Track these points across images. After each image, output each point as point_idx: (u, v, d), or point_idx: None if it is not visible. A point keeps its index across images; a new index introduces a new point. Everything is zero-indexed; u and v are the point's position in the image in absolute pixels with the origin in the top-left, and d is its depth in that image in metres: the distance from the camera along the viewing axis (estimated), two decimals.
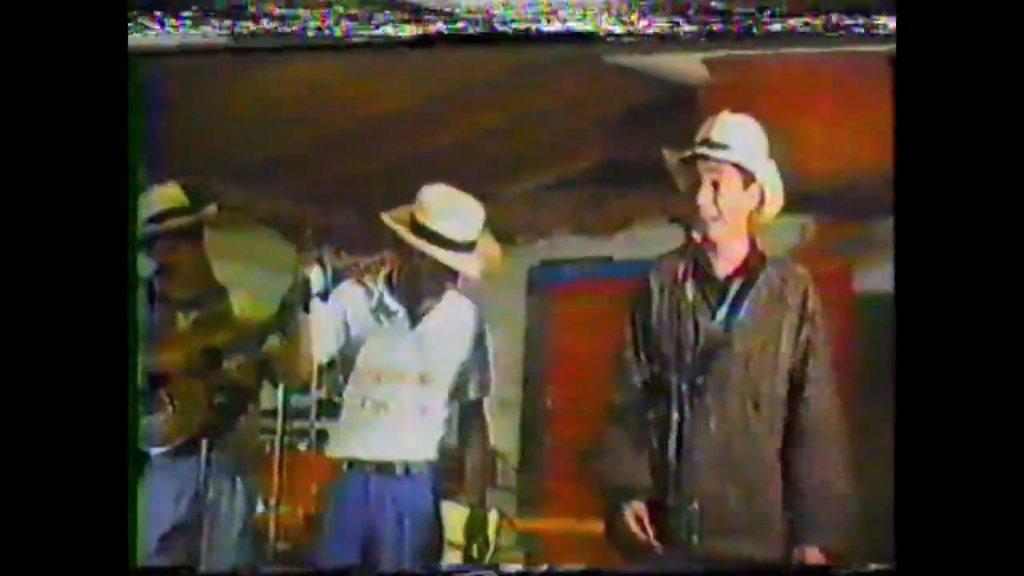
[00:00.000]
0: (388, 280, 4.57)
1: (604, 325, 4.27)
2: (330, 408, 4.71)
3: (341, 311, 4.51)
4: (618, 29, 3.71)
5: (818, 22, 3.66)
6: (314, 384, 4.55)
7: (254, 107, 5.78)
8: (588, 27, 3.70)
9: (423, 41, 3.61)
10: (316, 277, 4.35)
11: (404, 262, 4.52)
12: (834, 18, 3.63)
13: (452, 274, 4.51)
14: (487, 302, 4.82)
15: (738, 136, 4.08)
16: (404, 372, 4.52)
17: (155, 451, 4.70)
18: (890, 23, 3.43)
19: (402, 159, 4.95)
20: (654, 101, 6.07)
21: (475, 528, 4.53)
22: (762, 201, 4.08)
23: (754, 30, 3.65)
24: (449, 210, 4.51)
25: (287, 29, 3.60)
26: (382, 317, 4.55)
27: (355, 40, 3.61)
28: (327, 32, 3.61)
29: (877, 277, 5.48)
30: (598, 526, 4.41)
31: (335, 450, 4.57)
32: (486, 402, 4.60)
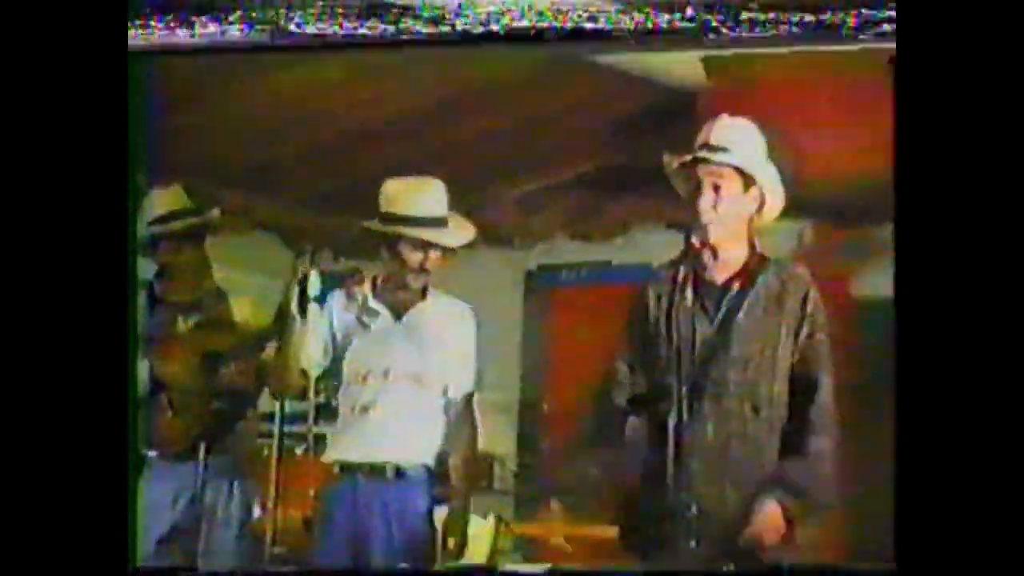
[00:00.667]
0: (373, 286, 4.59)
1: (602, 329, 4.27)
2: (327, 413, 4.71)
3: (328, 323, 4.52)
4: (613, 27, 3.70)
5: (814, 19, 3.65)
6: (311, 390, 4.55)
7: (252, 111, 5.78)
8: (585, 25, 3.69)
9: (422, 44, 3.60)
10: (313, 282, 4.36)
11: (386, 268, 4.56)
12: (832, 19, 3.63)
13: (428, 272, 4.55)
14: (485, 306, 4.82)
15: (738, 139, 4.08)
16: (390, 372, 4.52)
17: (153, 454, 4.70)
18: (890, 23, 3.42)
19: (400, 164, 4.94)
20: (652, 105, 6.08)
21: (454, 528, 4.50)
22: (762, 205, 4.07)
23: (753, 29, 3.64)
24: (411, 192, 4.56)
25: (287, 29, 3.60)
26: (366, 319, 4.56)
27: (352, 42, 3.60)
28: (327, 34, 3.60)
29: (876, 281, 5.49)
30: (596, 530, 4.41)
31: (328, 454, 4.58)
32: (475, 399, 4.58)
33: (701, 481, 3.91)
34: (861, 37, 3.52)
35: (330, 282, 4.50)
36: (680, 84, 5.89)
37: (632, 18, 3.63)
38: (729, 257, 4.04)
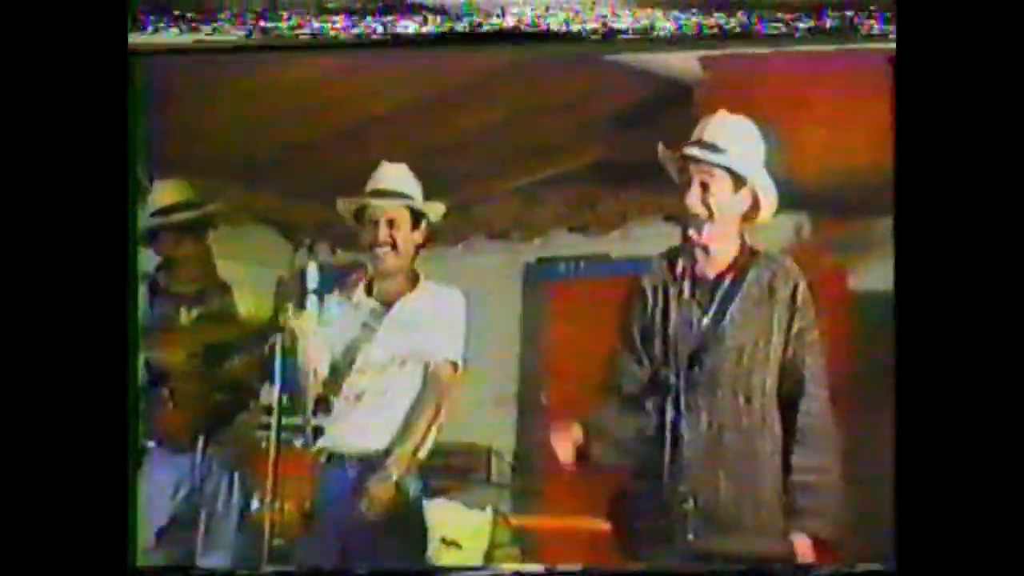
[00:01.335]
0: (367, 286, 4.63)
1: (600, 322, 4.28)
2: (325, 405, 4.72)
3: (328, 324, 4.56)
4: (614, 26, 3.71)
5: (813, 21, 3.66)
6: (311, 380, 4.56)
7: (251, 106, 5.78)
8: (584, 25, 3.70)
9: (420, 39, 3.61)
10: (312, 275, 4.38)
11: (376, 263, 4.59)
12: (830, 20, 3.64)
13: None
14: (483, 299, 4.84)
15: (732, 138, 4.10)
16: (379, 362, 4.55)
17: (152, 444, 4.71)
18: (890, 23, 3.43)
19: (397, 158, 4.95)
20: (650, 99, 6.07)
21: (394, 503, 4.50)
22: (755, 204, 4.10)
23: (752, 28, 3.65)
24: (399, 173, 4.71)
25: (285, 27, 3.60)
26: (357, 313, 4.59)
27: (350, 39, 3.61)
28: (325, 30, 3.61)
29: (872, 275, 5.49)
30: (594, 523, 4.41)
31: (321, 445, 4.60)
32: (444, 367, 4.58)
33: (696, 473, 3.92)
34: (861, 37, 3.53)
35: (328, 275, 4.53)
36: (678, 78, 5.89)
37: (632, 18, 3.64)
38: (720, 252, 4.06)
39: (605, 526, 4.20)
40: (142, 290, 4.68)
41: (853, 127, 5.59)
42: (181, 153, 4.78)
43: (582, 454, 4.01)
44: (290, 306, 4.39)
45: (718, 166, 4.04)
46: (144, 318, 4.65)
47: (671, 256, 4.12)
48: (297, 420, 4.52)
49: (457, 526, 5.29)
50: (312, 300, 4.39)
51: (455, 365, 4.61)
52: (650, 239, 6.67)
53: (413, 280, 4.67)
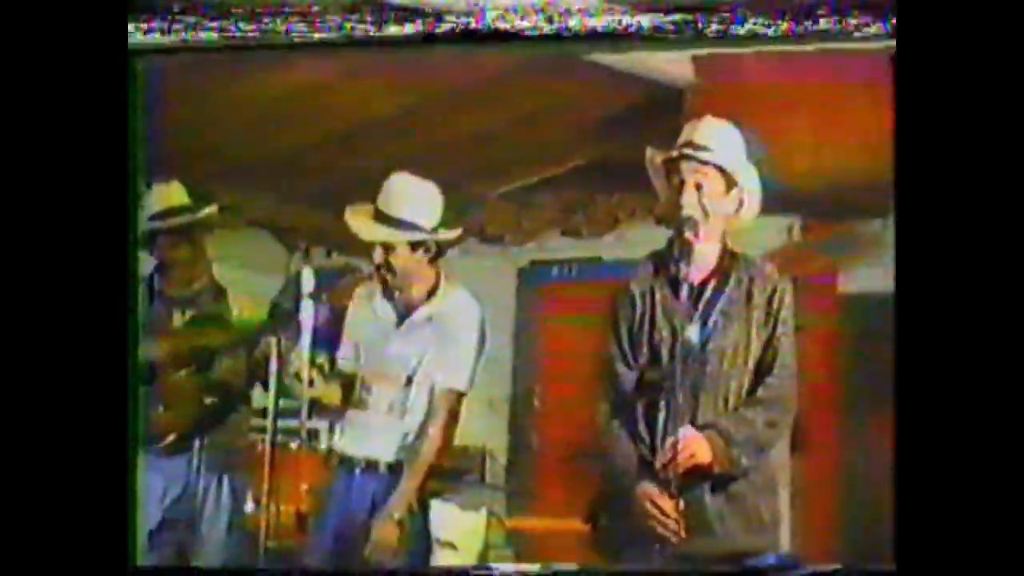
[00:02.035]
0: (384, 287, 4.62)
1: (594, 325, 4.29)
2: (322, 408, 4.73)
3: (338, 322, 4.56)
4: (606, 27, 3.73)
5: (808, 23, 3.68)
6: (305, 384, 4.57)
7: (245, 108, 5.80)
8: (575, 25, 3.72)
9: (412, 42, 3.63)
10: (307, 279, 4.38)
11: (390, 268, 4.58)
12: (824, 22, 3.66)
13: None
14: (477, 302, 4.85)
15: (721, 140, 4.13)
16: (390, 369, 4.55)
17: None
18: (890, 23, 3.45)
19: (390, 161, 4.97)
20: (641, 102, 6.09)
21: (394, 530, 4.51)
22: (740, 206, 4.13)
23: (744, 29, 3.67)
24: (412, 196, 4.61)
25: (279, 29, 3.62)
26: (373, 319, 4.59)
27: (341, 40, 3.62)
28: (317, 32, 3.63)
29: (862, 278, 5.52)
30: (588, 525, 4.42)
31: (324, 449, 4.61)
32: (455, 393, 4.57)
33: (682, 476, 3.95)
34: (861, 37, 3.55)
35: (324, 278, 4.53)
36: (669, 81, 5.91)
37: (624, 18, 3.66)
38: (704, 256, 4.09)
39: (586, 527, 4.23)
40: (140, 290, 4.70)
41: (843, 129, 5.62)
42: (176, 157, 4.80)
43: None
44: (286, 309, 4.41)
45: (713, 165, 4.07)
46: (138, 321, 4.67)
47: (656, 259, 4.16)
48: (292, 423, 4.53)
49: (452, 527, 5.31)
50: (308, 303, 4.40)
51: (460, 394, 4.60)
52: (643, 242, 6.68)
53: (434, 285, 4.63)
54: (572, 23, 3.66)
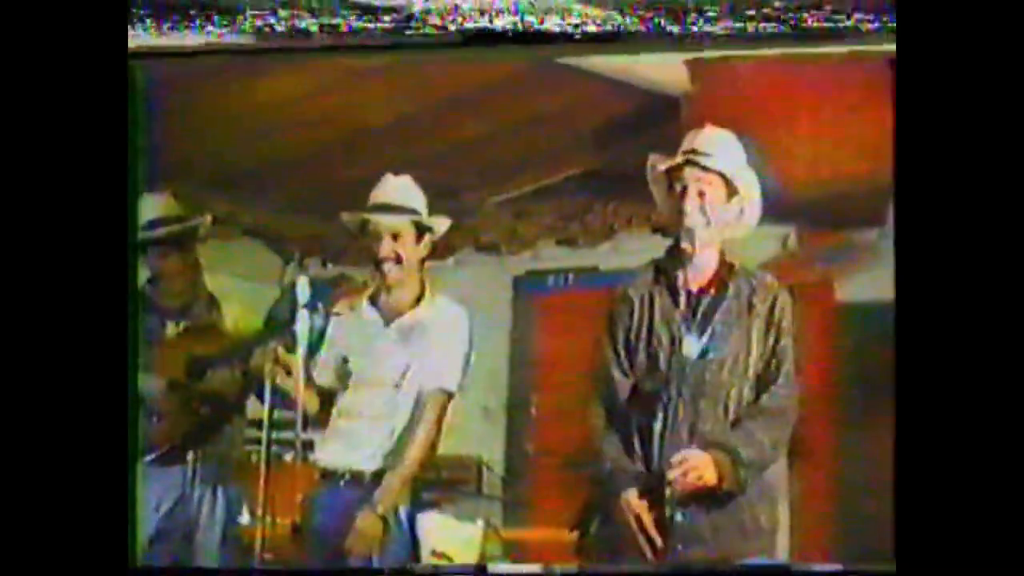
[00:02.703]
0: (371, 298, 4.62)
1: (590, 334, 4.28)
2: (315, 419, 4.72)
3: (322, 331, 4.54)
4: (601, 30, 3.72)
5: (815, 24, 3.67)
6: (300, 395, 4.56)
7: (238, 117, 5.79)
8: (575, 28, 3.70)
9: (407, 47, 3.62)
10: (303, 289, 4.38)
11: (380, 277, 4.58)
12: (825, 26, 3.65)
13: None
14: (472, 312, 4.84)
15: (722, 148, 4.13)
16: (377, 376, 4.54)
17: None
18: (890, 25, 3.44)
19: (385, 169, 4.96)
20: (637, 109, 6.09)
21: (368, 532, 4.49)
22: (740, 215, 4.12)
23: (740, 33, 3.66)
24: (403, 185, 4.67)
25: (276, 35, 3.61)
26: (359, 328, 4.59)
27: (336, 45, 3.61)
28: (313, 38, 3.62)
29: (859, 286, 5.51)
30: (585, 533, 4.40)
31: (314, 460, 4.60)
32: (444, 394, 4.57)
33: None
34: (861, 40, 3.54)
35: (319, 288, 4.52)
36: (664, 88, 5.91)
37: (619, 21, 3.65)
38: (701, 264, 4.08)
39: (574, 534, 4.22)
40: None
41: (841, 138, 5.61)
42: (170, 164, 4.79)
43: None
44: (281, 320, 4.40)
45: (716, 172, 4.06)
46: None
47: (655, 267, 4.15)
48: (287, 434, 4.51)
49: (448, 538, 5.29)
50: (303, 313, 4.39)
51: (450, 395, 4.60)
52: (639, 251, 6.68)
53: (419, 294, 4.64)
54: (564, 26, 3.64)
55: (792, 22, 3.63)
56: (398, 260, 4.57)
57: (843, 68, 4.95)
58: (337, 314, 4.60)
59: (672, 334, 4.02)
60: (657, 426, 3.95)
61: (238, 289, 5.05)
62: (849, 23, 3.59)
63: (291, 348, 4.40)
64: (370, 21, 3.58)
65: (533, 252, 7.15)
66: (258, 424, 4.62)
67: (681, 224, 4.05)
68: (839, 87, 5.33)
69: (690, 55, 5.20)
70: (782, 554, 4.12)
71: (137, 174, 3.43)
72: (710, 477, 3.89)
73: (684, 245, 4.05)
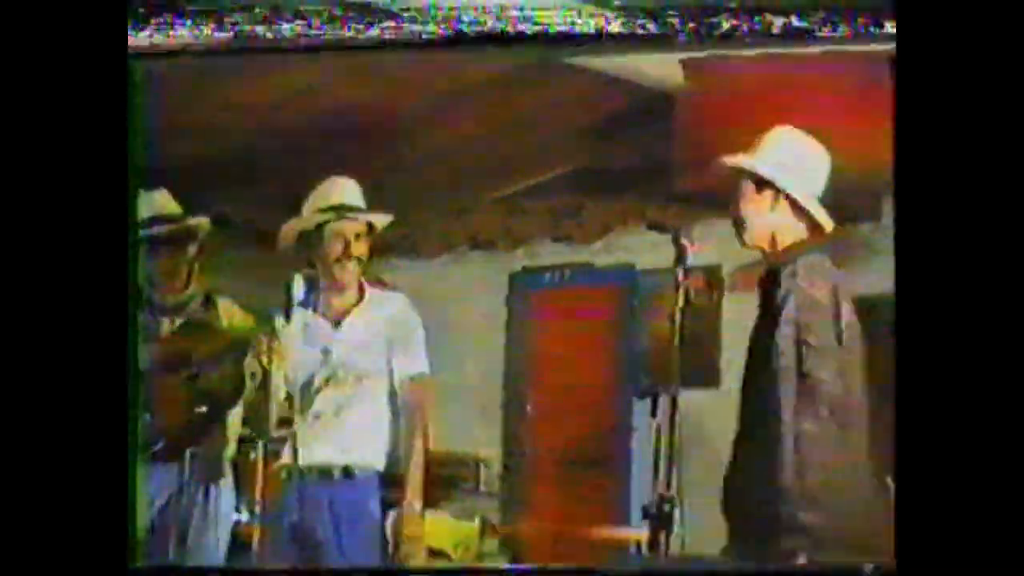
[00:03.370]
0: (313, 303, 4.62)
1: (585, 331, 4.30)
2: (287, 422, 4.73)
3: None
4: (597, 29, 3.72)
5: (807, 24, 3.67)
6: (298, 393, 4.56)
7: (232, 116, 5.80)
8: (567, 27, 3.70)
9: (402, 46, 3.62)
10: (298, 286, 4.39)
11: (340, 277, 4.60)
12: (820, 25, 3.65)
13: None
14: (468, 309, 4.86)
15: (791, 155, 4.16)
16: (335, 379, 4.56)
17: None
18: (889, 25, 3.44)
19: (379, 168, 4.97)
20: (631, 107, 6.10)
21: (409, 527, 4.50)
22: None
23: (740, 30, 3.66)
24: (354, 187, 4.72)
25: (268, 34, 3.61)
26: (308, 331, 4.60)
27: (327, 43, 3.61)
28: (307, 38, 3.62)
29: (859, 280, 5.52)
30: (581, 531, 4.43)
31: (281, 459, 4.61)
32: (412, 384, 4.59)
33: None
34: (859, 39, 3.54)
35: (314, 286, 4.54)
36: (659, 86, 5.91)
37: (612, 21, 3.65)
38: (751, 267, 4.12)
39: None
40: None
41: (835, 134, 5.61)
42: (167, 162, 4.79)
43: None
44: (277, 317, 4.41)
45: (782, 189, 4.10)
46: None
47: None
48: (273, 434, 4.53)
49: (444, 536, 5.31)
50: (299, 312, 4.40)
51: (423, 376, 4.61)
52: (634, 247, 6.71)
53: (360, 292, 4.67)
54: (560, 26, 3.64)
55: (789, 23, 3.63)
56: (360, 260, 4.60)
57: (838, 64, 4.95)
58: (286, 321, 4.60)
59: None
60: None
61: (233, 287, 5.06)
62: (844, 30, 3.59)
63: (286, 345, 4.41)
64: (367, 20, 3.58)
65: (528, 249, 7.16)
66: (252, 422, 4.64)
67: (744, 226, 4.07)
68: (834, 83, 5.34)
69: (684, 54, 5.20)
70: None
71: (136, 172, 3.42)
72: None
73: (683, 242, 4.08)
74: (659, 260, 4.76)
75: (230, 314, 4.85)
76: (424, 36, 3.58)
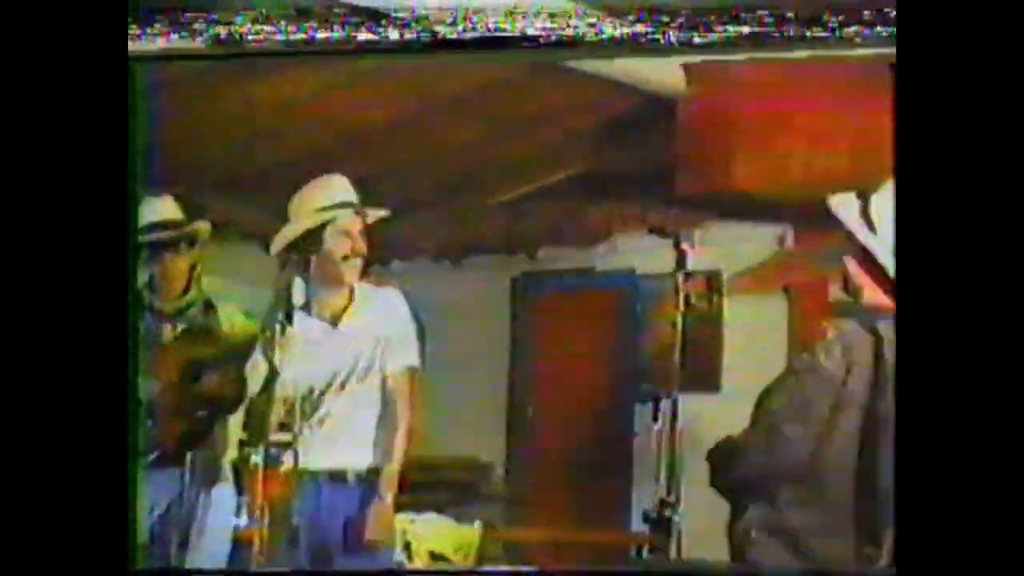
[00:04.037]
0: (306, 305, 4.62)
1: (587, 335, 4.31)
2: (288, 425, 4.73)
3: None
4: (603, 32, 3.73)
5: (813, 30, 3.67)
6: (298, 396, 4.56)
7: (237, 121, 5.81)
8: (569, 31, 3.71)
9: (403, 49, 3.63)
10: (298, 290, 4.40)
11: (318, 272, 4.60)
12: (820, 29, 3.66)
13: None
14: (471, 313, 4.87)
15: None
16: (339, 380, 4.56)
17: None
18: (889, 27, 3.45)
19: (381, 172, 4.98)
20: (633, 111, 6.11)
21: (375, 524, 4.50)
22: None
23: (738, 35, 3.67)
24: (348, 184, 4.64)
25: (271, 39, 3.62)
26: (306, 336, 4.59)
27: (330, 48, 3.62)
28: (310, 41, 3.63)
29: None
30: (583, 534, 4.44)
31: (291, 464, 4.61)
32: (403, 376, 4.56)
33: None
34: (860, 44, 3.55)
35: (315, 290, 4.55)
36: (661, 90, 5.93)
37: (615, 25, 3.66)
38: None
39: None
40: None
41: (836, 138, 5.63)
42: (168, 167, 4.80)
43: None
44: (276, 321, 4.41)
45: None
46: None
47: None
48: (278, 437, 4.53)
49: (446, 539, 5.31)
50: (299, 315, 4.41)
51: (413, 370, 4.61)
52: (636, 252, 6.72)
53: (351, 290, 4.66)
54: (562, 29, 3.65)
55: (790, 27, 3.64)
56: (363, 256, 4.60)
57: (839, 69, 4.97)
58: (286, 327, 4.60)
59: None
60: None
61: (234, 292, 5.07)
62: (847, 31, 3.60)
63: (287, 349, 4.41)
64: (370, 24, 3.59)
65: (530, 254, 7.17)
66: (253, 426, 4.64)
67: None
68: (835, 88, 5.35)
69: (687, 58, 5.22)
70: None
71: (137, 176, 3.43)
72: None
73: (684, 246, 4.08)
74: (660, 264, 4.78)
75: (231, 319, 4.85)
76: (426, 40, 3.59)
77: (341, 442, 4.51)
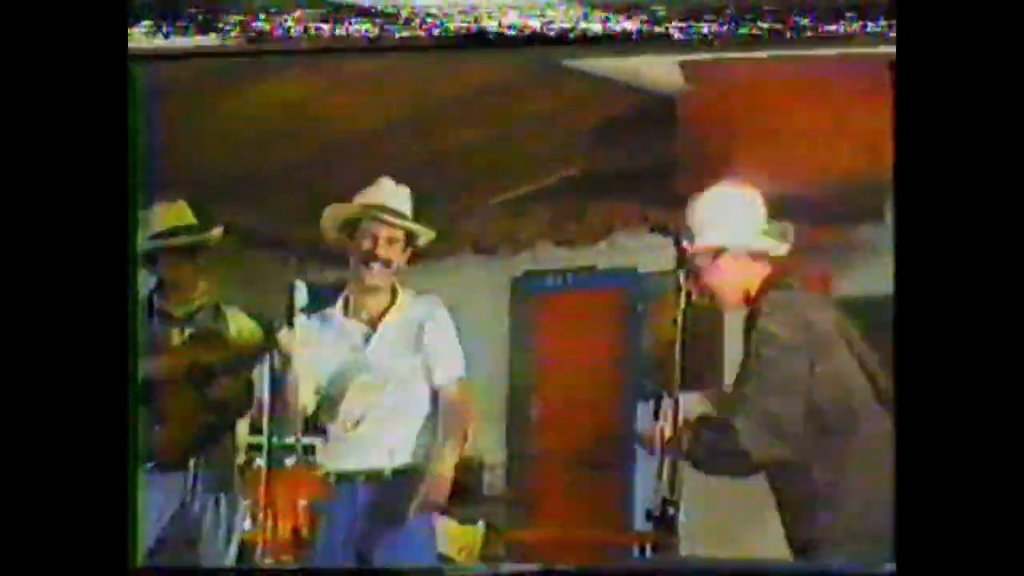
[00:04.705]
0: (344, 305, 4.63)
1: (588, 334, 4.31)
2: (316, 425, 4.73)
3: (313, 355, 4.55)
4: (598, 30, 3.72)
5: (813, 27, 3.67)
6: (300, 399, 4.57)
7: (241, 126, 5.81)
8: (568, 29, 3.70)
9: (404, 50, 3.62)
10: (300, 293, 4.40)
11: (364, 278, 4.60)
12: (823, 26, 3.65)
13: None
14: (472, 313, 4.86)
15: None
16: (375, 382, 4.55)
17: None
18: (889, 26, 3.44)
19: (384, 174, 4.97)
20: (632, 110, 6.11)
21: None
22: None
23: (741, 32, 3.66)
24: (402, 193, 4.70)
25: (274, 37, 3.61)
26: (343, 335, 4.60)
27: (330, 48, 3.61)
28: (308, 42, 3.62)
29: (856, 282, 5.53)
30: (586, 533, 4.43)
31: (322, 466, 4.61)
32: (455, 387, 4.59)
33: None
34: (860, 42, 3.54)
35: (317, 293, 4.54)
36: (660, 89, 5.92)
37: (612, 23, 3.65)
38: None
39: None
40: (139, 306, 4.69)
41: (837, 134, 5.63)
42: (174, 173, 4.80)
43: None
44: (279, 324, 4.41)
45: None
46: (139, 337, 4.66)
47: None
48: (287, 440, 4.53)
49: (449, 540, 5.31)
50: (301, 318, 4.40)
51: (463, 380, 4.61)
52: (636, 250, 6.72)
53: (393, 295, 4.66)
54: (561, 27, 3.65)
55: (790, 26, 3.63)
56: (387, 263, 4.59)
57: (839, 66, 4.96)
58: (325, 324, 4.61)
59: None
60: None
61: (242, 297, 5.07)
62: (847, 30, 3.59)
63: (289, 352, 4.41)
64: (368, 24, 3.59)
65: (531, 253, 7.17)
66: (259, 430, 4.64)
67: None
68: (835, 85, 5.35)
69: (685, 56, 5.21)
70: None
71: (137, 181, 3.43)
72: None
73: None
74: (661, 263, 4.77)
75: (238, 323, 4.85)
76: (426, 40, 3.58)
77: (378, 445, 4.51)
